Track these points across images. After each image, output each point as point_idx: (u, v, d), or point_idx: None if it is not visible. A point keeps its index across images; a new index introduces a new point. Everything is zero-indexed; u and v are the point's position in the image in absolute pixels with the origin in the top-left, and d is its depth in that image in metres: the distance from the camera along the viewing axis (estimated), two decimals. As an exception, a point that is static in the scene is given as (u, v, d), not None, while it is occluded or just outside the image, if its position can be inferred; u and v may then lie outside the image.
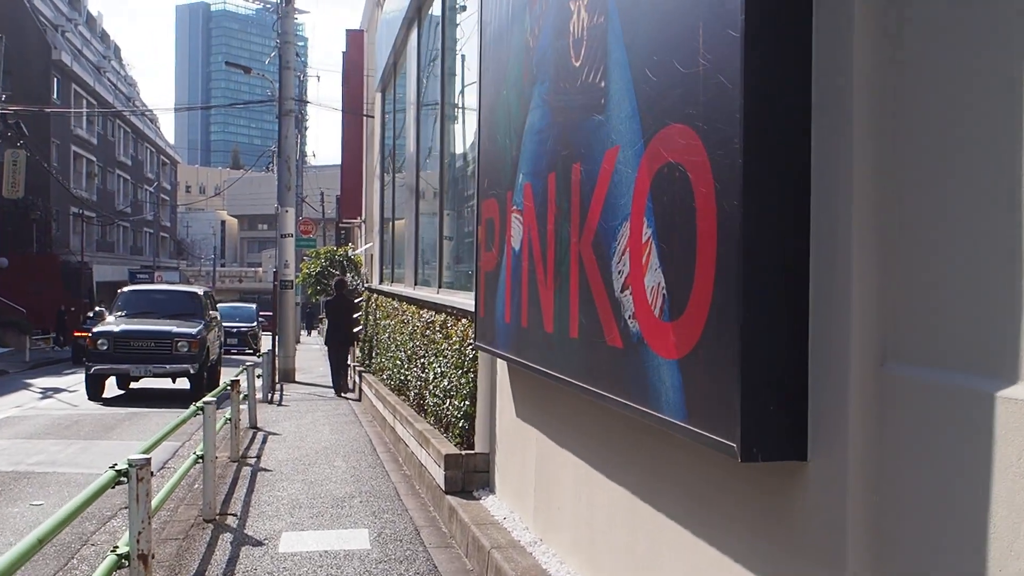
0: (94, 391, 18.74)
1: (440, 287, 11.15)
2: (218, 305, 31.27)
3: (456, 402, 8.18)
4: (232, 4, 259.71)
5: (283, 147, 23.41)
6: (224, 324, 28.75)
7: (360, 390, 18.14)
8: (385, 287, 17.45)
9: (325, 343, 23.43)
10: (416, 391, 10.95)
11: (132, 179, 67.93)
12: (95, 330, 19.53)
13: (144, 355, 18.67)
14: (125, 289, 22.58)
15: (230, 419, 10.83)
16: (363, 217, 38.23)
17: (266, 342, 29.92)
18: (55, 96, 49.75)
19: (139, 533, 4.91)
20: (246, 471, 10.15)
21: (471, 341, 7.89)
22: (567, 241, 4.72)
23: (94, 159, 57.22)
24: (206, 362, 19.70)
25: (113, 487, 4.81)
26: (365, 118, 36.98)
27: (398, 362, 12.82)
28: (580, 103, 4.54)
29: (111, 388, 19.66)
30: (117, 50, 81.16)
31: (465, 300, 8.93)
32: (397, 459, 10.87)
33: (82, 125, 54.85)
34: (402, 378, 12.40)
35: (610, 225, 4.07)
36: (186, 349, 18.81)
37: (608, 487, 4.73)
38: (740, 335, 2.91)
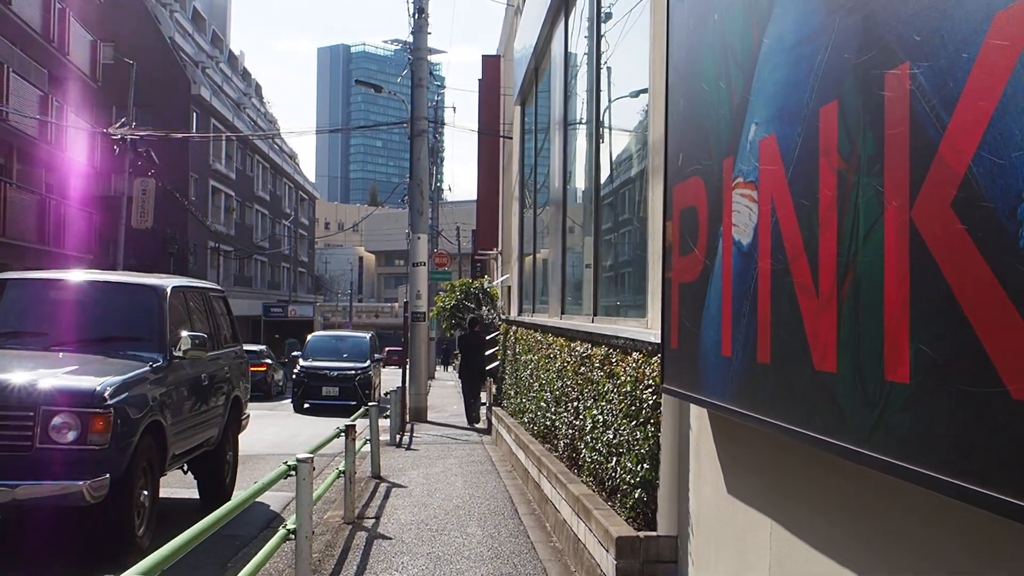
0: None
1: (595, 314, 9.16)
2: (314, 335, 30.04)
3: (629, 463, 6.13)
4: (371, 46, 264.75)
5: (415, 169, 21.80)
6: (317, 365, 25.92)
7: (494, 430, 16.25)
8: (526, 318, 15.54)
9: (459, 376, 23.28)
10: (567, 441, 8.95)
11: (270, 214, 68.01)
12: None
13: None
14: None
15: (343, 472, 9.02)
16: (499, 248, 36.68)
17: (392, 379, 28.24)
18: (194, 130, 49.77)
19: None
20: (360, 539, 8.27)
21: (650, 382, 5.85)
22: (876, 212, 2.67)
23: (232, 193, 57.21)
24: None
25: None
26: (502, 146, 35.52)
27: (543, 404, 10.85)
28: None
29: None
30: (258, 88, 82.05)
31: (635, 328, 6.92)
32: (544, 525, 8.87)
33: (221, 160, 54.91)
34: (548, 423, 10.43)
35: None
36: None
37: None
38: None
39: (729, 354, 3.96)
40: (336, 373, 25.58)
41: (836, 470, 3.30)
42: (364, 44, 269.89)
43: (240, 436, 17.65)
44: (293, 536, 5.88)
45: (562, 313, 11.48)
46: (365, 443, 12.00)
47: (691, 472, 5.36)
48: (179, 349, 8.70)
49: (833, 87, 2.99)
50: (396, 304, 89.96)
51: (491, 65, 39.15)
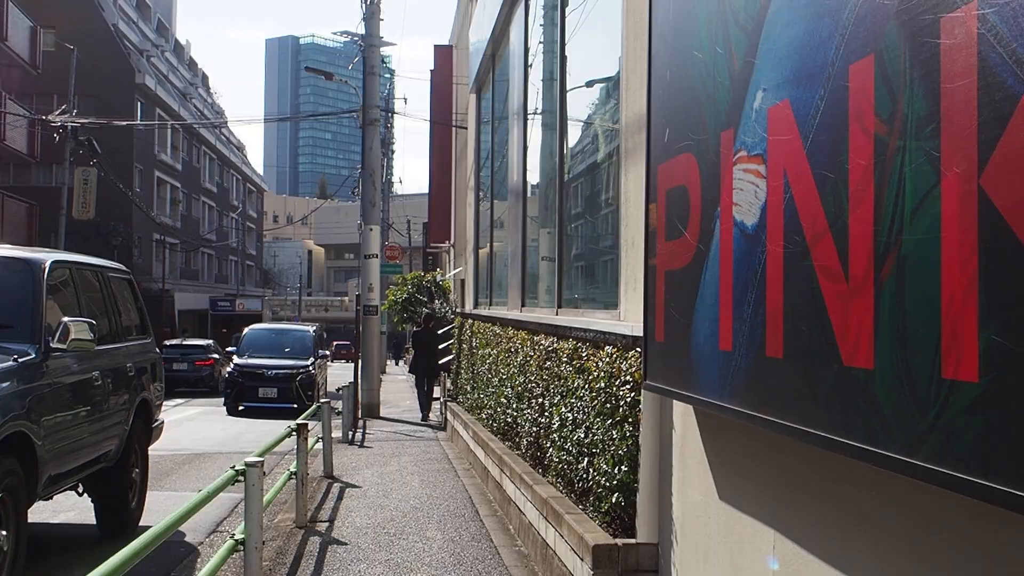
0: None
1: (560, 307, 8.76)
2: (250, 328, 26.48)
3: (604, 465, 5.73)
4: (320, 37, 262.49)
5: (367, 159, 21.28)
6: (253, 363, 22.75)
7: (450, 426, 15.83)
8: (483, 311, 15.12)
9: (410, 371, 23.42)
10: (530, 439, 8.55)
11: (217, 206, 66.90)
12: None
13: None
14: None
15: (295, 473, 8.54)
16: (452, 241, 36.24)
17: (342, 375, 27.50)
18: (139, 120, 48.70)
19: None
20: (313, 544, 7.80)
21: (628, 378, 5.46)
22: (929, 181, 2.28)
23: (178, 185, 56.15)
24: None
25: None
26: (454, 138, 35.04)
27: (503, 400, 10.45)
28: None
29: (183, 423, 17.58)
30: (205, 78, 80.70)
31: (606, 320, 6.53)
32: (507, 527, 8.46)
33: (167, 151, 53.85)
34: (509, 420, 10.03)
35: None
36: None
37: None
38: None
39: (729, 348, 3.57)
40: (274, 372, 22.45)
41: (850, 477, 2.92)
42: (313, 36, 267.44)
43: (188, 433, 17.00)
44: (242, 547, 5.41)
45: (522, 306, 11.08)
46: (317, 441, 11.51)
47: (674, 475, 4.97)
48: (60, 339, 6.77)
49: (868, 41, 2.59)
50: (346, 298, 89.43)
51: (443, 55, 38.63)
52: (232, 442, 16.06)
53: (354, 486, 10.82)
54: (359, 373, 19.53)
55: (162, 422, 9.98)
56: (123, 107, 44.62)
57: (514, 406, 9.65)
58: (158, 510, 9.81)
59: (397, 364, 54.64)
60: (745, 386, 3.43)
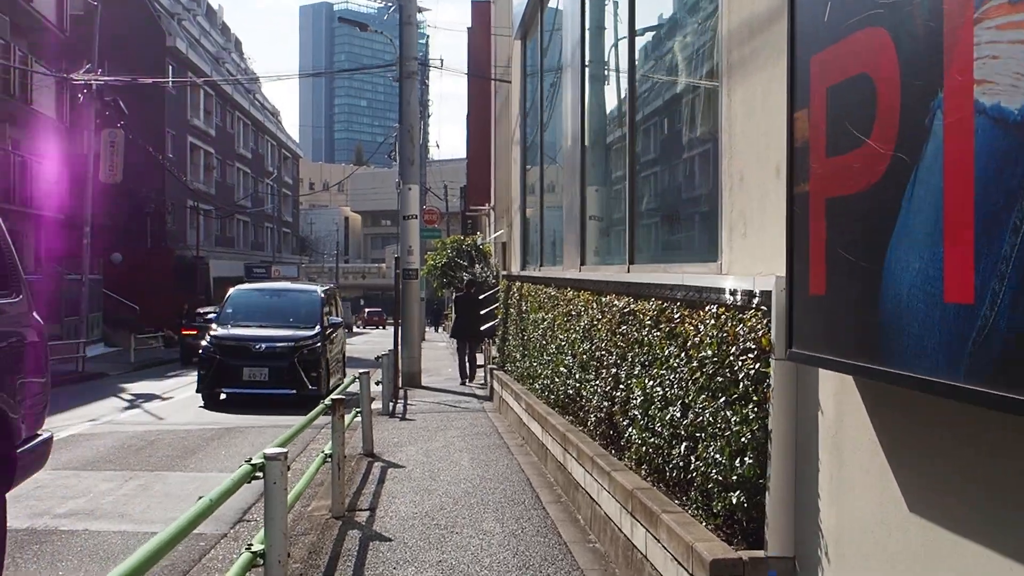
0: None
1: (632, 263, 7.58)
2: (237, 288, 19.97)
3: (714, 453, 4.54)
4: (355, 3, 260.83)
5: (404, 114, 20.07)
6: (235, 334, 16.88)
7: (497, 396, 14.74)
8: (532, 272, 13.95)
9: (452, 336, 22.05)
10: (600, 415, 7.38)
11: (252, 172, 65.95)
12: None
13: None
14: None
15: (331, 456, 7.45)
16: (492, 204, 35.04)
17: (379, 343, 26.26)
18: (170, 85, 47.70)
19: None
20: (352, 540, 6.69)
21: (751, 346, 4.27)
22: None
23: (212, 151, 55.19)
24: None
25: None
26: (493, 95, 33.77)
27: (562, 369, 9.30)
28: None
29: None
30: (238, 43, 79.77)
31: (701, 274, 5.35)
32: (575, 517, 7.32)
33: (199, 115, 52.86)
34: (569, 391, 8.89)
35: None
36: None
37: None
38: None
39: (969, 299, 2.38)
40: (265, 346, 16.55)
41: None
42: (347, 1, 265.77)
43: (217, 404, 15.81)
44: (261, 560, 4.28)
45: (582, 264, 9.91)
46: (355, 416, 10.44)
47: (823, 473, 3.79)
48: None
49: None
50: (383, 265, 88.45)
51: (481, 12, 37.38)
52: (260, 415, 15.03)
53: (397, 465, 9.73)
54: (399, 340, 18.43)
55: (47, 437, 6.28)
56: (154, 71, 43.54)
57: (577, 376, 8.49)
58: (179, 495, 8.79)
59: (437, 331, 53.67)
60: (1005, 357, 2.24)
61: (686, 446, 5.01)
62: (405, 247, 19.48)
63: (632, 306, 6.59)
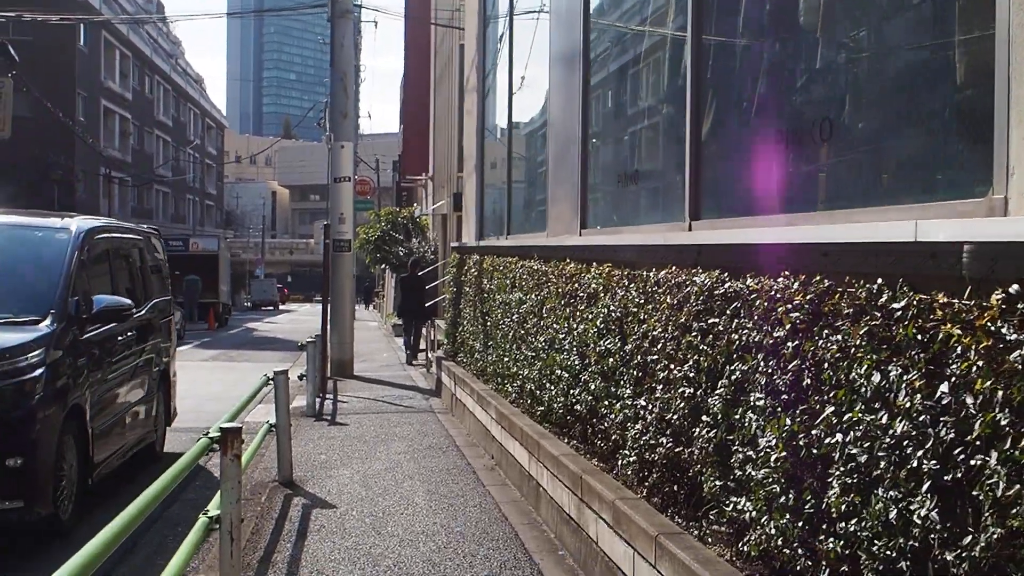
0: None
1: (695, 218, 4.87)
2: None
3: None
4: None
5: (338, 59, 17.07)
6: None
7: (448, 393, 12.02)
8: (497, 242, 11.19)
9: (398, 314, 20.79)
10: (652, 453, 4.67)
11: (173, 142, 62.09)
12: None
13: None
14: None
15: (216, 521, 4.63)
16: (430, 174, 32.09)
17: (305, 323, 23.30)
18: (81, 43, 43.91)
19: None
20: None
21: None
22: None
23: (128, 116, 51.40)
24: None
25: None
26: (433, 55, 30.81)
27: (561, 373, 6.59)
28: None
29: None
30: (160, 6, 75.47)
31: (967, 218, 2.65)
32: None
33: (115, 78, 49.07)
34: (576, 405, 6.18)
35: None
36: None
37: None
38: None
39: None
40: None
41: None
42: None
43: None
44: None
45: (583, 227, 7.20)
46: (268, 431, 7.63)
47: None
48: None
49: None
50: (312, 240, 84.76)
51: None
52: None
53: (325, 504, 6.94)
54: (326, 323, 15.44)
55: None
56: (65, 28, 39.79)
57: (593, 387, 5.77)
58: None
59: (367, 309, 50.59)
60: None
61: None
62: (336, 214, 16.48)
63: (757, 285, 3.86)
